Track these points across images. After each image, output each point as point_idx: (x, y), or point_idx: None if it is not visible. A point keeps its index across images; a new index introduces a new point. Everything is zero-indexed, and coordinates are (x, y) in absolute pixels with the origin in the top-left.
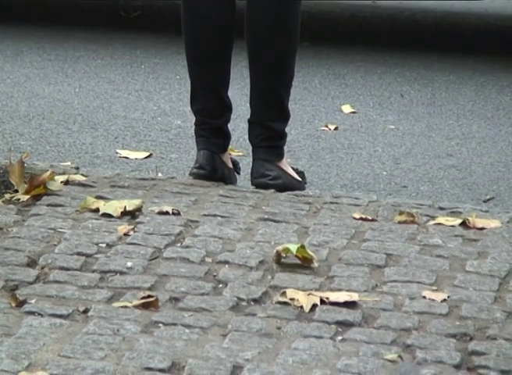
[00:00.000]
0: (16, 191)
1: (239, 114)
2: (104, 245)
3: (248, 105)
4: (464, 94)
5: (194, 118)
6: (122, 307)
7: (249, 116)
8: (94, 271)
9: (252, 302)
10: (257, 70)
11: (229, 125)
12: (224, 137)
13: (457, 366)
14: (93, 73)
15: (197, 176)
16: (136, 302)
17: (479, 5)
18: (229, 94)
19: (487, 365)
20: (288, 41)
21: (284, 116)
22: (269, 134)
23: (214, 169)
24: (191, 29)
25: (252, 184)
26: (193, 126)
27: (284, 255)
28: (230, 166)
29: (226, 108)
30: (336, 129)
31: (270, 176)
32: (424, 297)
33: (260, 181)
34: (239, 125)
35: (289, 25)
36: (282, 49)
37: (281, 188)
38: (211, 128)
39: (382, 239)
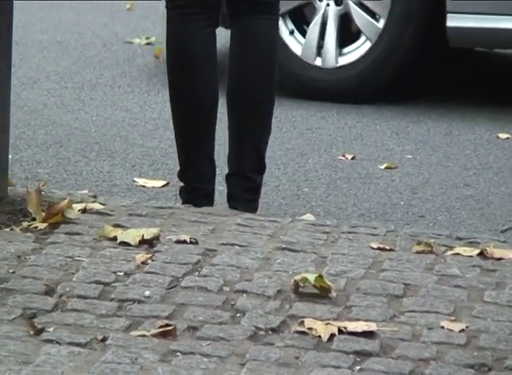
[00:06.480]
0: (34, 219)
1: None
2: (122, 274)
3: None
4: (481, 123)
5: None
6: (140, 336)
7: (228, 171)
8: (112, 300)
9: (270, 332)
10: (239, 126)
11: None
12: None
13: None
14: (110, 101)
15: None
16: (154, 331)
17: None
18: None
19: None
20: (267, 97)
21: (263, 168)
22: (250, 186)
23: None
24: (182, 104)
25: None
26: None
27: (302, 285)
28: None
29: (215, 172)
30: (353, 158)
31: None
32: (442, 327)
33: None
34: None
35: (268, 83)
36: (263, 106)
37: None
38: (203, 195)
39: (399, 269)
